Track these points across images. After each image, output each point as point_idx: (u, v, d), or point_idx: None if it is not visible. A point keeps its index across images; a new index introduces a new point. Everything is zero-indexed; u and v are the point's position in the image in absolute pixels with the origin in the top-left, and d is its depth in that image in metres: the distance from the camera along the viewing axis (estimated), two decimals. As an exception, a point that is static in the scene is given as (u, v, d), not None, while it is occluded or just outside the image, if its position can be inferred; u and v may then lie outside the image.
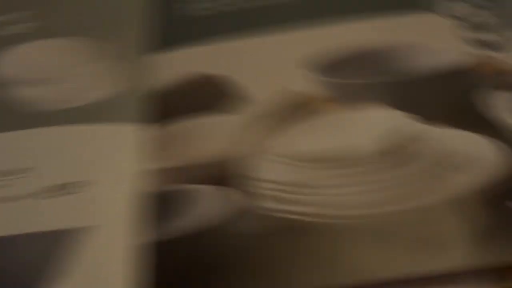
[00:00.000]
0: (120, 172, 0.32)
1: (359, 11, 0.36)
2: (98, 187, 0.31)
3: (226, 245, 0.28)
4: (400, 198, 0.29)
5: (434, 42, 0.34)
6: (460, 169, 0.29)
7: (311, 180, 0.29)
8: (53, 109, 0.35)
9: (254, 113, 0.32)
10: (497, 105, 0.31)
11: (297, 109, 0.32)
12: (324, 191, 0.29)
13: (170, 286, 0.28)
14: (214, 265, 0.28)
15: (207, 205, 0.29)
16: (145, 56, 0.36)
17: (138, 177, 0.31)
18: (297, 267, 0.27)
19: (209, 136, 0.32)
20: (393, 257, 0.27)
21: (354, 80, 0.33)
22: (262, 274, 0.27)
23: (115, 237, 0.30)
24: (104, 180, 0.32)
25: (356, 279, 0.26)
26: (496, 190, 0.28)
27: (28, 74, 0.37)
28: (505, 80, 0.32)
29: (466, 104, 0.32)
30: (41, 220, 0.30)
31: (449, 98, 0.32)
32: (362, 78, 0.33)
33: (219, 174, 0.30)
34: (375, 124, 0.31)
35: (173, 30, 0.37)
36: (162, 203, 0.30)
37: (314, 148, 0.30)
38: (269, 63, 0.34)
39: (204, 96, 0.34)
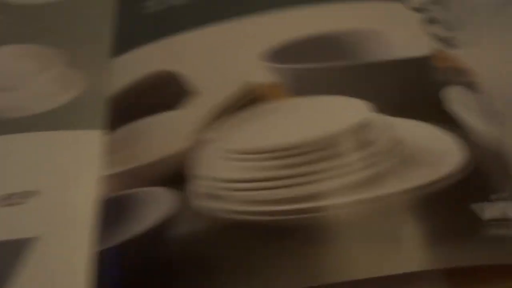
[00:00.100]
0: (74, 180, 0.31)
1: None
2: (47, 196, 0.31)
3: (172, 248, 0.27)
4: (350, 189, 0.28)
5: (393, 31, 0.33)
6: (414, 161, 0.28)
7: (259, 176, 0.28)
8: (8, 117, 0.34)
9: (203, 107, 0.31)
10: (452, 99, 0.30)
11: (248, 100, 0.31)
12: (272, 184, 0.28)
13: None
14: (160, 269, 0.27)
15: (155, 207, 0.29)
16: (104, 60, 0.35)
17: (93, 183, 0.31)
18: (245, 266, 0.26)
19: (158, 135, 0.31)
20: (345, 257, 0.26)
21: (307, 65, 0.32)
22: (207, 275, 0.26)
23: (63, 246, 0.29)
24: (55, 189, 0.31)
25: (302, 281, 0.26)
26: (451, 188, 0.27)
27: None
28: (458, 76, 0.31)
29: (422, 94, 0.31)
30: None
31: (404, 87, 0.31)
32: (316, 64, 0.32)
33: (168, 174, 0.30)
34: (327, 112, 0.30)
35: (130, 31, 0.36)
36: (110, 210, 0.29)
37: (264, 141, 0.29)
38: (220, 53, 0.33)
39: (157, 94, 0.33)
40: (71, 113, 0.34)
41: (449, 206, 0.27)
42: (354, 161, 0.28)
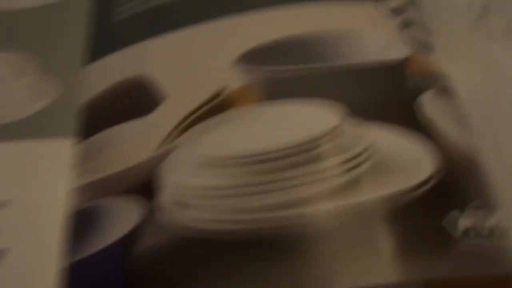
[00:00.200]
0: (45, 190, 0.31)
1: None
2: (17, 206, 0.30)
3: (139, 260, 0.27)
4: (324, 196, 0.27)
5: (369, 33, 0.32)
6: (389, 168, 0.27)
7: (230, 182, 0.28)
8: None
9: (174, 113, 0.31)
10: (426, 104, 0.29)
11: (220, 106, 0.30)
12: (244, 191, 0.27)
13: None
14: (127, 282, 0.26)
15: (122, 219, 0.28)
16: (77, 67, 0.35)
17: (64, 194, 0.30)
18: (215, 279, 0.26)
19: (126, 143, 0.30)
20: (321, 268, 0.25)
21: (280, 67, 0.31)
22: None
23: (33, 258, 0.29)
24: (25, 199, 0.31)
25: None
26: (424, 196, 0.27)
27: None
28: (433, 81, 0.31)
29: (397, 99, 0.30)
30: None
31: (379, 91, 0.30)
32: (290, 66, 0.31)
33: (137, 183, 0.29)
34: (300, 116, 0.29)
35: (102, 38, 0.36)
36: (78, 222, 0.29)
37: (235, 147, 0.29)
38: (192, 58, 0.32)
39: (128, 101, 0.32)
40: (44, 121, 0.34)
41: (423, 215, 0.27)
42: (328, 167, 0.27)
